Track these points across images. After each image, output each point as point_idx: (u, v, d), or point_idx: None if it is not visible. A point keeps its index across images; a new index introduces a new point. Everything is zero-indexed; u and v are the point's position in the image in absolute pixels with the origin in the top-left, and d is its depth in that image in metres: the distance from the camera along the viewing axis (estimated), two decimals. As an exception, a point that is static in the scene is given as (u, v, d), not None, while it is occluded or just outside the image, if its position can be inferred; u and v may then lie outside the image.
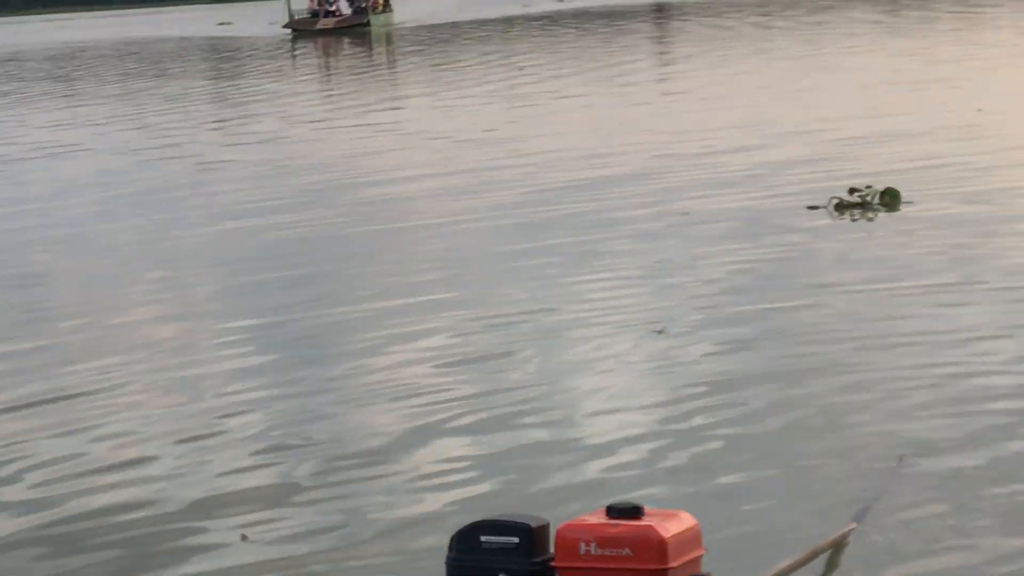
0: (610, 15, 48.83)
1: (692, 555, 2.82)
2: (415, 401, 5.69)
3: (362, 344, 6.74)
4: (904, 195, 9.53)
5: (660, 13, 47.33)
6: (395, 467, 4.83)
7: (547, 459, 4.84)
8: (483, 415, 5.37)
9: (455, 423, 5.25)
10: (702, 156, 12.98)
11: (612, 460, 4.78)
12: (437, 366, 6.23)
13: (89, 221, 11.78)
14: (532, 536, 2.85)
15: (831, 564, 3.87)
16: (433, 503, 4.38)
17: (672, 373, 6.02)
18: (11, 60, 48.67)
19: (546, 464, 4.77)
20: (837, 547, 4.27)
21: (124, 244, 10.72)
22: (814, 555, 4.10)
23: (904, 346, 6.08)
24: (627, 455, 4.81)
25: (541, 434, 5.16)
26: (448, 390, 5.85)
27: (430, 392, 5.72)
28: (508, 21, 49.37)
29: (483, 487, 4.54)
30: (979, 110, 14.53)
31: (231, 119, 22.00)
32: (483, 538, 2.90)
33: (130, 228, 11.43)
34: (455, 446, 5.06)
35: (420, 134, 16.84)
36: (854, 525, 4.19)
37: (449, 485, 4.51)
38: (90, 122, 22.16)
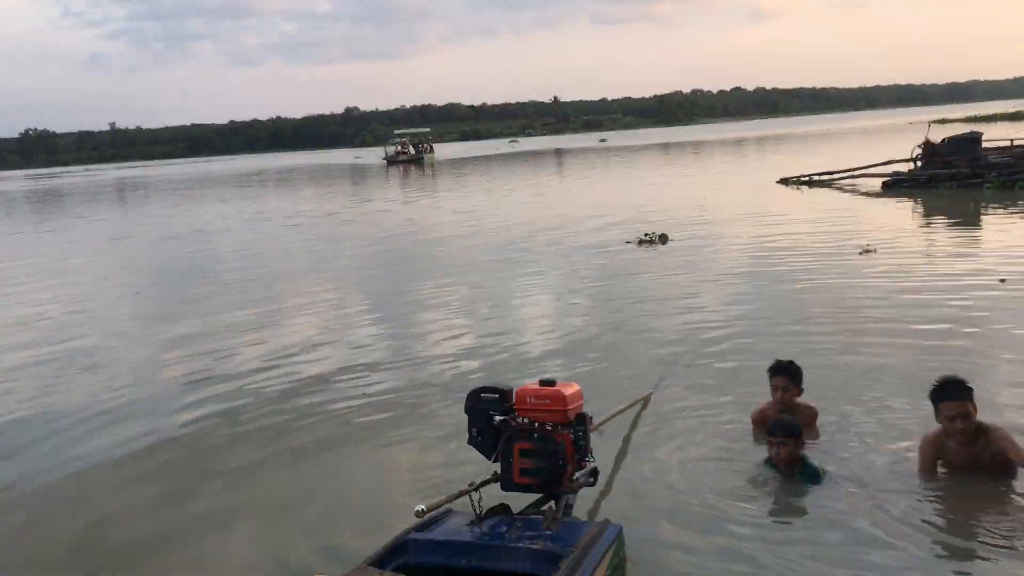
0: (538, 154, 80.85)
1: (578, 403, 4.57)
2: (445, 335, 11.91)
3: (420, 305, 13.13)
4: (671, 237, 16.42)
5: (559, 154, 76.51)
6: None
7: (510, 363, 8.48)
8: (470, 337, 10.14)
9: (456, 343, 9.96)
10: (574, 220, 21.54)
11: (542, 361, 8.40)
12: (450, 320, 11.57)
13: (284, 255, 20.26)
14: (505, 393, 4.60)
15: (640, 415, 6.45)
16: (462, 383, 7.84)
17: (569, 316, 10.86)
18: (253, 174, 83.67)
19: (508, 364, 8.47)
20: (646, 402, 6.76)
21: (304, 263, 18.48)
22: (631, 406, 6.51)
23: (665, 301, 10.89)
24: (549, 361, 8.41)
25: (504, 355, 8.88)
26: (447, 327, 12.19)
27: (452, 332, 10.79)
28: (488, 158, 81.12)
29: (481, 374, 8.06)
30: (704, 199, 25.03)
31: (359, 200, 37.74)
32: (482, 395, 4.65)
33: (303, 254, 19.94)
34: (461, 356, 9.29)
35: (445, 209, 29.70)
36: (652, 391, 6.89)
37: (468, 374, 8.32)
38: (283, 206, 36.77)
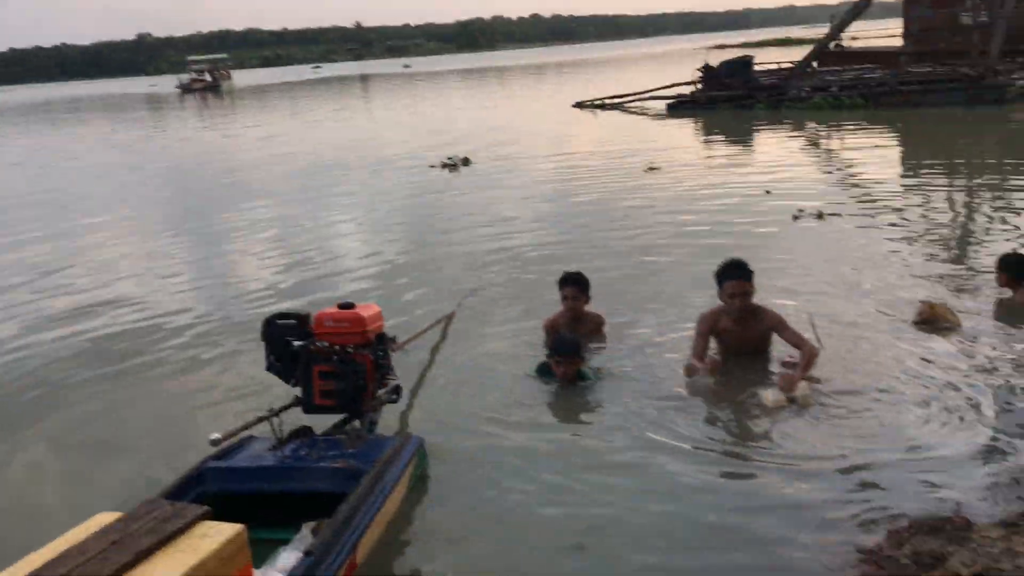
0: (343, 80, 78.30)
1: (378, 324, 4.57)
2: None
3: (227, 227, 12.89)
4: (474, 160, 16.50)
5: (364, 80, 74.03)
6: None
7: (317, 287, 8.32)
8: (275, 264, 10.36)
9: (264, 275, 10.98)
10: (379, 146, 21.16)
11: (349, 284, 8.42)
12: (254, 247, 11.91)
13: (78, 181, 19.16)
14: (302, 319, 4.51)
15: (446, 331, 6.58)
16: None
17: (374, 240, 10.94)
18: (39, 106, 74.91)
19: (315, 288, 8.30)
20: (450, 319, 6.83)
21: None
22: (436, 324, 6.63)
23: (468, 222, 11.00)
24: (356, 284, 8.35)
25: (311, 280, 8.79)
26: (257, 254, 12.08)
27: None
28: (292, 84, 77.33)
29: (288, 300, 8.00)
30: (505, 123, 25.03)
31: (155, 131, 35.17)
32: (278, 321, 4.54)
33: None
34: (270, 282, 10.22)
35: (247, 137, 27.95)
36: (456, 308, 6.96)
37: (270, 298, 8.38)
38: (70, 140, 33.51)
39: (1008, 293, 6.45)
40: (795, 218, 9.58)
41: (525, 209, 11.68)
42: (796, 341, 5.34)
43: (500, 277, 8.25)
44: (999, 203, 10.13)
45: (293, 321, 4.52)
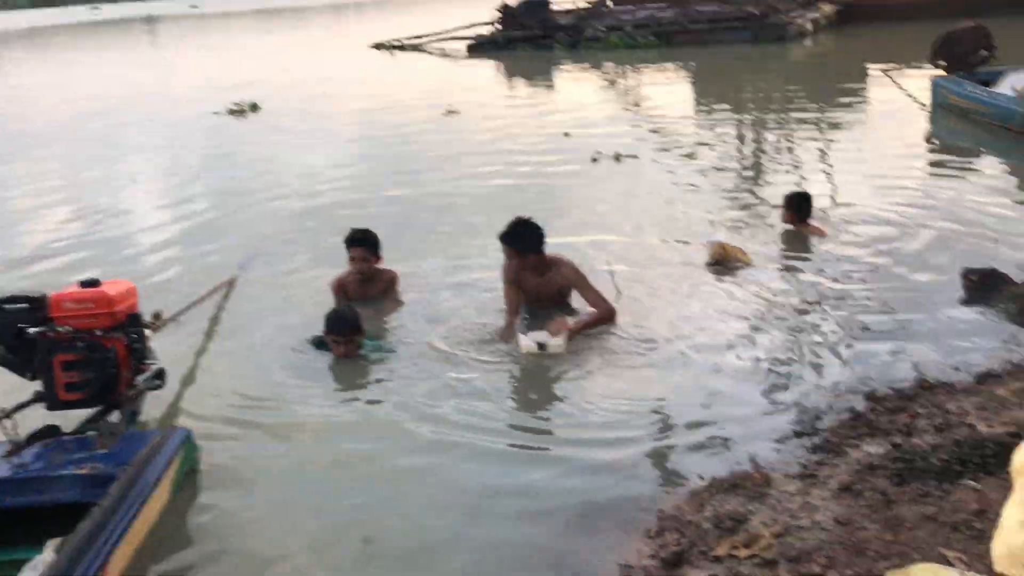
0: (126, 22, 67.02)
1: (129, 302, 4.07)
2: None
3: None
4: (263, 106, 15.32)
5: (151, 22, 65.07)
6: None
7: (79, 261, 6.95)
8: (36, 232, 8.60)
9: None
10: (167, 92, 18.71)
11: (112, 255, 7.19)
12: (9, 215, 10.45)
13: None
14: (35, 301, 3.90)
15: (225, 300, 5.96)
16: None
17: (149, 200, 9.80)
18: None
19: (78, 262, 6.96)
20: (229, 286, 6.19)
21: None
22: (213, 292, 5.89)
23: (250, 172, 10.41)
24: (120, 254, 7.25)
25: (72, 252, 7.42)
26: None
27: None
28: (69, 27, 63.62)
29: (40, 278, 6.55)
30: (299, 66, 23.31)
31: None
32: (6, 307, 3.89)
33: None
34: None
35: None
36: (236, 274, 6.33)
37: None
38: None
39: (791, 227, 6.64)
40: (593, 160, 9.52)
41: (316, 157, 11.01)
42: (593, 300, 5.15)
43: (287, 234, 7.62)
44: (784, 137, 10.55)
45: (25, 305, 3.89)
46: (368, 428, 4.30)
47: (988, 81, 10.17)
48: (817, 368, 4.46)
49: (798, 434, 3.78)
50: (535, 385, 4.62)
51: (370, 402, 4.55)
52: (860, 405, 3.97)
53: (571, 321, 5.01)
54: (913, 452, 3.37)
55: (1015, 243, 6.17)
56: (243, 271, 6.51)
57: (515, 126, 12.28)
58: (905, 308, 5.15)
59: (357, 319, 4.97)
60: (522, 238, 5.15)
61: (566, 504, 3.46)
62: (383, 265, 5.79)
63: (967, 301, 5.17)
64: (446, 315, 5.49)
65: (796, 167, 8.92)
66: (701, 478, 3.50)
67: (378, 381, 4.74)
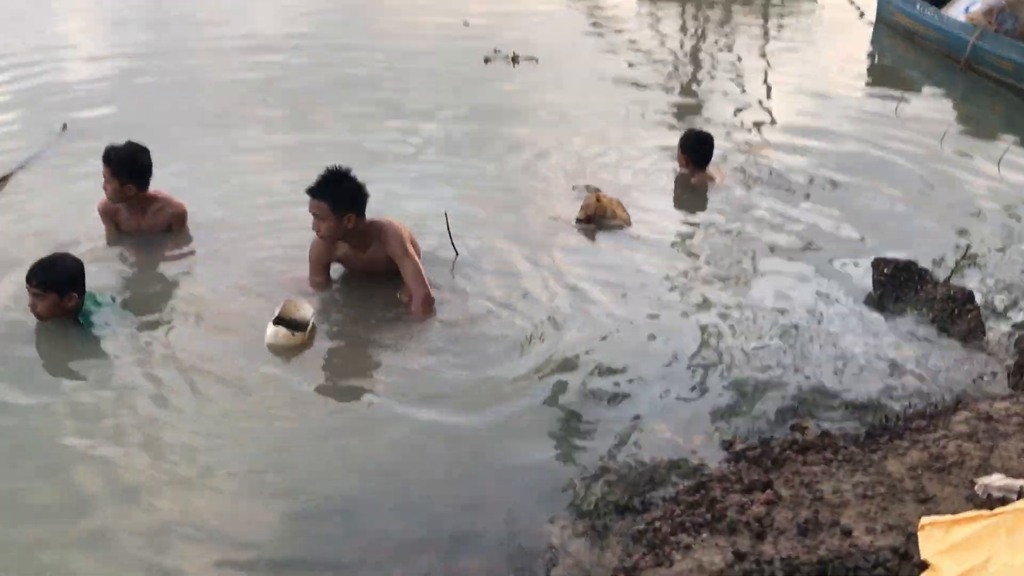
0: None
1: None
2: None
3: None
4: None
5: None
6: None
7: None
8: None
9: None
10: None
11: None
12: None
13: None
14: None
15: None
16: None
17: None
18: None
19: None
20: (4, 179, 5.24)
21: None
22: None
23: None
24: None
25: None
26: None
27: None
28: None
29: None
30: None
31: None
32: None
33: None
34: None
35: None
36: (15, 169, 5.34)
37: None
38: None
39: (687, 172, 5.59)
40: (486, 60, 8.20)
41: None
42: (412, 283, 3.99)
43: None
44: (724, 39, 9.38)
45: None
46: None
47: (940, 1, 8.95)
48: (663, 391, 3.52)
49: (617, 508, 2.81)
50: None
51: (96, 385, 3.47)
52: (710, 464, 3.01)
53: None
54: (760, 571, 2.42)
55: (940, 213, 5.23)
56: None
57: (407, 16, 10.37)
58: (797, 301, 4.20)
59: (63, 275, 3.70)
60: (337, 195, 3.90)
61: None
62: (165, 194, 4.59)
63: (876, 296, 4.23)
64: (238, 269, 4.35)
65: (732, 77, 7.81)
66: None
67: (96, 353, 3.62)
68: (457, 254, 4.47)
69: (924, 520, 2.44)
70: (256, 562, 2.69)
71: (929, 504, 2.65)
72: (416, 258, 4.04)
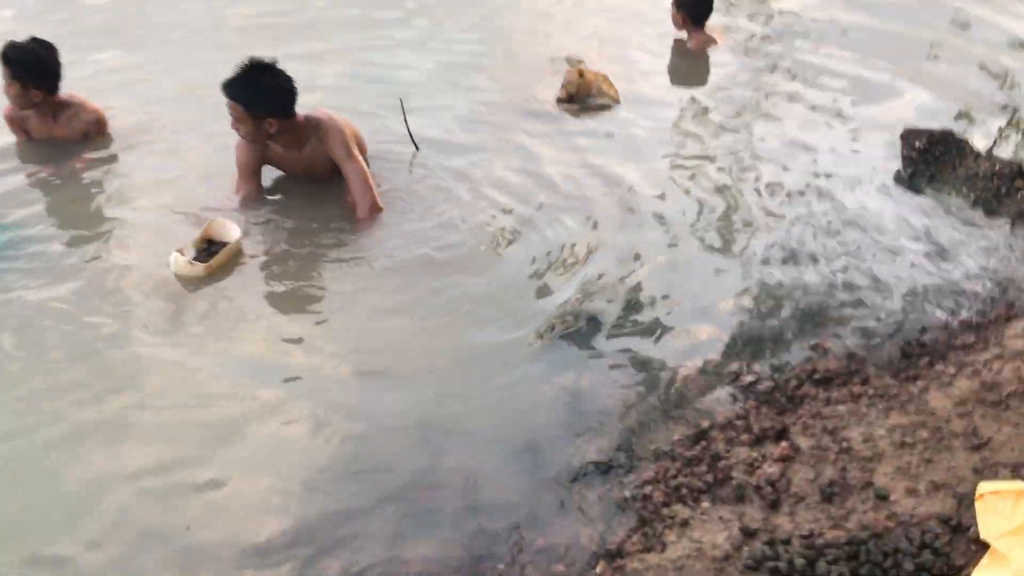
0: None
1: None
2: None
3: None
4: None
5: None
6: None
7: None
8: None
9: None
10: None
11: None
12: None
13: None
14: None
15: None
16: None
17: None
18: None
19: None
20: None
21: None
22: None
23: None
24: None
25: None
26: None
27: None
28: None
29: None
30: None
31: None
32: None
33: None
34: None
35: None
36: None
37: None
38: None
39: (683, 36, 4.87)
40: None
41: None
42: (355, 188, 3.39)
43: None
44: None
45: None
46: None
47: None
48: (654, 301, 2.95)
49: (598, 467, 2.30)
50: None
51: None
52: (711, 405, 2.47)
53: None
54: (775, 556, 1.93)
55: (976, 59, 4.52)
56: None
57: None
58: (815, 184, 3.60)
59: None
60: (253, 94, 3.26)
61: None
62: (80, 99, 3.96)
63: (907, 175, 3.61)
64: (164, 183, 3.75)
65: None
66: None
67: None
68: (418, 149, 3.85)
69: (983, 487, 1.91)
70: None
71: (984, 452, 2.14)
72: (360, 158, 3.43)
